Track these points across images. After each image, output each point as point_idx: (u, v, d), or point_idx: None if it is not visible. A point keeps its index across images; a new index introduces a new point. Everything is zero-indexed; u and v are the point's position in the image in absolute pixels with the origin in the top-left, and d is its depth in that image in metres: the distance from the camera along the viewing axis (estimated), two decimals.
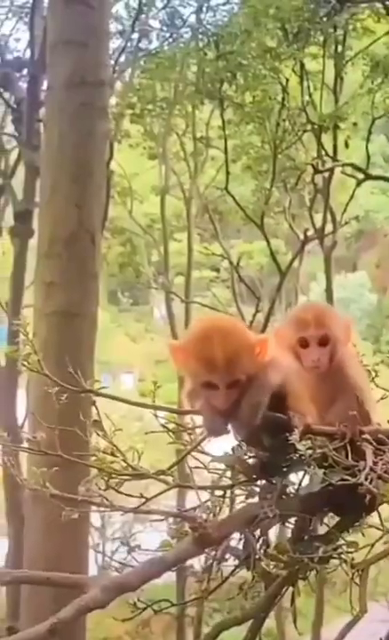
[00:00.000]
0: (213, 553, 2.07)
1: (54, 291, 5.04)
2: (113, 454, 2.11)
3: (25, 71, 8.93)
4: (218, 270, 12.80)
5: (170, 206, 11.63)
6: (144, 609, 2.25)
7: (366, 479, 1.97)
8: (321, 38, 9.79)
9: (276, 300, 10.43)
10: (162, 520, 2.34)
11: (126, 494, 2.08)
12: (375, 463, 2.03)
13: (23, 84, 8.94)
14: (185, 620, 9.16)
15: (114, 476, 2.05)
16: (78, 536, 5.06)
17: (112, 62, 8.88)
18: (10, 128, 10.04)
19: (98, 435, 2.16)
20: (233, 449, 2.05)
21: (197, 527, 1.88)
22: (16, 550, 7.15)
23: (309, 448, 2.02)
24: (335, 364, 2.14)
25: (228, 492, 2.19)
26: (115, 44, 9.63)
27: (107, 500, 2.02)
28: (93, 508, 2.17)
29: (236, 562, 2.17)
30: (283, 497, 2.11)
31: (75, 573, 1.93)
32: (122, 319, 17.40)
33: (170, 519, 2.49)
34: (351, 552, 2.05)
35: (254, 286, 11.70)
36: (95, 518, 10.34)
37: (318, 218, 10.34)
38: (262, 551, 2.05)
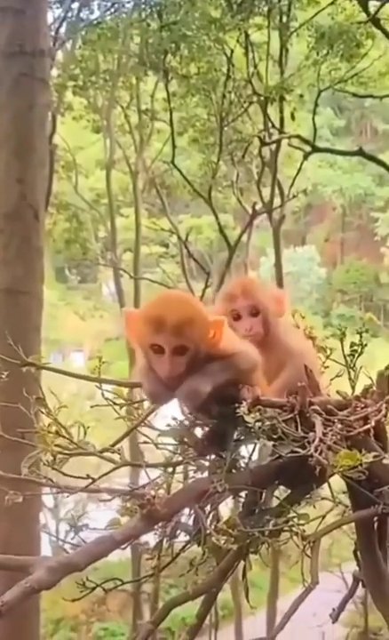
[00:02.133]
0: (163, 529, 2.04)
1: None
2: (57, 432, 2.06)
3: None
4: (166, 246, 12.70)
5: (116, 181, 11.48)
6: (93, 588, 2.20)
7: (316, 451, 1.94)
8: (266, 9, 9.70)
9: (226, 276, 10.40)
10: (111, 499, 2.29)
11: (69, 475, 2.02)
12: (324, 434, 2.00)
13: None
14: (141, 596, 9.19)
15: (58, 454, 1.99)
16: (28, 517, 4.99)
17: (52, 33, 8.66)
18: None
19: (42, 412, 2.11)
20: (179, 421, 2.01)
21: (145, 504, 1.83)
22: None
23: (258, 420, 1.99)
24: (272, 335, 2.18)
25: (179, 468, 2.15)
26: (54, 13, 9.41)
27: (51, 480, 1.96)
28: (41, 489, 2.12)
29: (187, 538, 2.14)
30: (233, 471, 2.08)
31: (27, 555, 1.86)
32: (70, 297, 17.22)
33: (123, 497, 2.44)
34: (302, 524, 2.03)
35: (203, 261, 11.65)
36: (48, 499, 10.29)
37: (266, 192, 10.30)
38: (213, 526, 2.01)
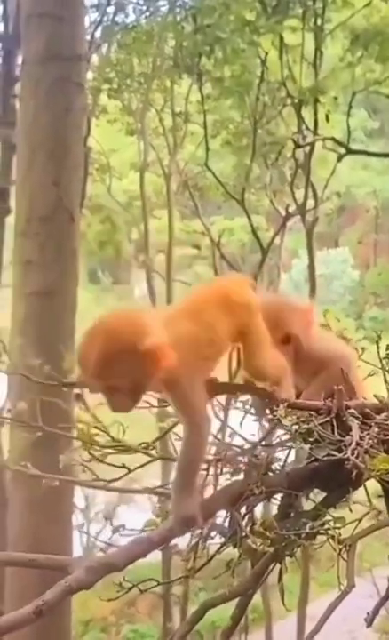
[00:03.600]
0: (199, 531, 2.05)
1: (33, 270, 4.96)
2: (97, 428, 2.09)
3: None
4: (198, 248, 12.72)
5: (150, 183, 11.52)
6: (130, 589, 2.22)
7: (352, 454, 1.94)
8: (301, 11, 9.68)
9: (258, 278, 10.39)
10: (139, 496, 2.31)
11: (109, 464, 2.04)
12: (361, 438, 2.00)
13: None
14: (170, 598, 9.21)
15: (97, 448, 2.02)
16: (61, 516, 5.03)
17: (88, 37, 8.72)
18: None
19: (80, 409, 2.14)
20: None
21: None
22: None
23: (295, 423, 2.00)
24: (305, 348, 2.20)
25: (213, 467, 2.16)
26: (90, 17, 9.47)
27: (90, 470, 1.98)
28: (78, 481, 2.14)
29: (222, 540, 2.15)
30: (269, 473, 2.09)
31: (59, 554, 1.89)
32: (102, 298, 17.30)
33: (155, 498, 2.46)
34: (338, 528, 2.04)
35: (236, 263, 11.64)
36: (79, 499, 10.36)
37: (299, 194, 10.27)
38: (248, 528, 2.02)
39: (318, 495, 2.22)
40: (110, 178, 10.92)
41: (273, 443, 2.12)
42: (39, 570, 1.81)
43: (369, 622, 2.75)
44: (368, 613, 2.60)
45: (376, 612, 2.71)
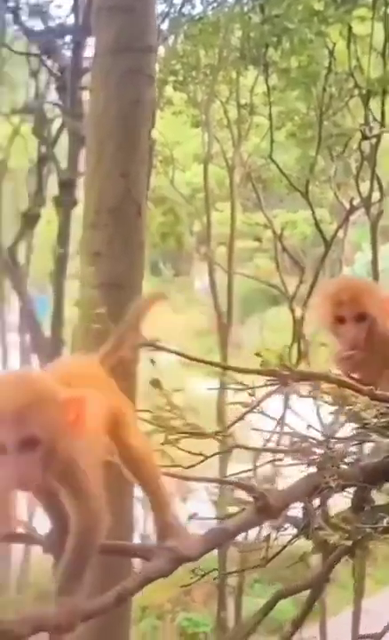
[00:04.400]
0: (273, 522, 2.05)
1: (100, 262, 5.00)
2: (173, 412, 2.11)
3: (68, 38, 8.84)
4: (260, 240, 12.66)
5: (213, 175, 11.50)
6: (202, 575, 2.24)
7: None
8: (370, 0, 9.53)
9: (320, 271, 10.29)
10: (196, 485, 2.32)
11: (184, 450, 2.06)
12: None
13: (66, 52, 8.85)
14: (226, 589, 9.24)
15: (172, 433, 2.04)
16: (123, 505, 5.08)
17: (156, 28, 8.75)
18: (52, 96, 10.00)
19: (157, 394, 2.16)
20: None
21: (259, 497, 1.86)
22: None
23: (374, 417, 1.99)
24: (379, 335, 2.20)
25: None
26: (157, 9, 9.48)
27: (168, 455, 2.00)
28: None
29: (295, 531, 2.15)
30: (344, 466, 2.08)
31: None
32: (163, 290, 17.34)
33: (212, 488, 2.46)
34: None
35: (297, 257, 11.54)
36: (138, 490, 10.43)
37: (364, 186, 10.14)
38: (321, 521, 2.02)
39: None
40: (173, 170, 10.93)
41: (350, 435, 2.12)
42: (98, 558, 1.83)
43: None
44: None
45: None
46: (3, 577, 10.31)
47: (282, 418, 2.30)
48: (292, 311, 9.11)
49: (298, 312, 8.96)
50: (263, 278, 10.88)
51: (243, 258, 12.67)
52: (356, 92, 9.49)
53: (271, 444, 2.36)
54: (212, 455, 2.14)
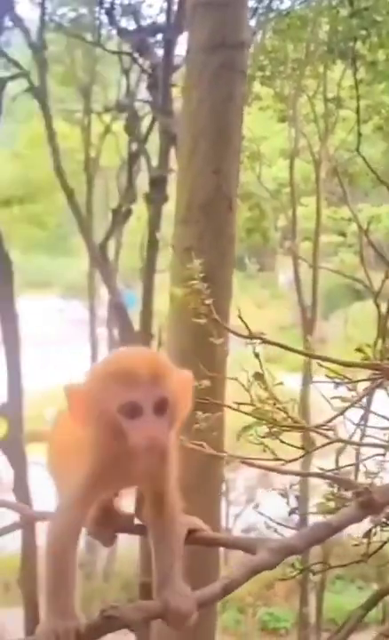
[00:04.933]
0: (376, 517, 2.07)
1: (192, 256, 5.05)
2: (275, 405, 2.14)
3: (159, 37, 8.93)
4: (344, 235, 12.53)
5: (298, 170, 11.45)
6: (301, 570, 2.28)
7: None
8: None
9: None
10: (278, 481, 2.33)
11: (288, 444, 2.09)
12: None
13: (158, 50, 8.94)
14: (308, 584, 9.23)
15: (273, 426, 2.07)
16: (212, 499, 5.14)
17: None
18: (143, 94, 10.13)
19: (259, 387, 2.19)
20: None
21: (363, 492, 1.87)
22: None
23: None
24: None
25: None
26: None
27: (271, 450, 2.03)
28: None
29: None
30: None
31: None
32: (248, 285, 17.39)
33: (296, 485, 2.47)
34: None
35: (382, 251, 11.35)
36: None
37: None
38: None
39: None
40: (260, 165, 10.92)
41: None
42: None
43: None
44: None
45: None
46: (91, 566, 10.55)
47: (367, 411, 2.30)
48: (377, 306, 8.97)
49: (384, 307, 8.84)
50: (347, 273, 10.74)
51: (328, 252, 12.55)
52: None
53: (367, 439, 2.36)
54: (315, 449, 2.16)
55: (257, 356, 2.20)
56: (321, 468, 2.17)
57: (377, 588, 2.13)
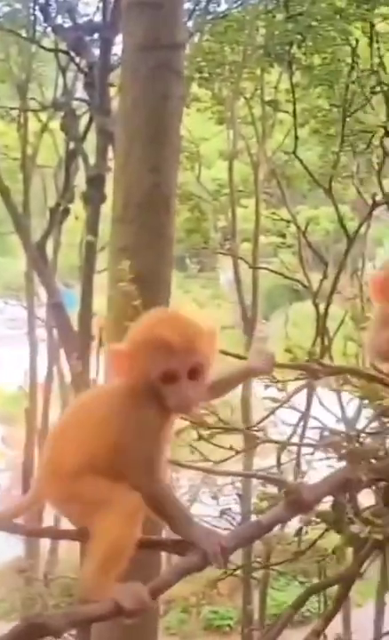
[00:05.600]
0: (305, 516, 2.08)
1: (129, 256, 5.03)
2: (206, 409, 2.15)
3: (96, 35, 8.87)
4: (283, 236, 12.67)
5: (237, 171, 11.52)
6: (235, 570, 2.29)
7: None
8: None
9: (343, 267, 10.27)
10: (220, 480, 2.34)
11: (217, 445, 2.10)
12: None
13: (95, 49, 8.89)
14: (251, 582, 9.28)
15: (204, 428, 2.07)
16: None
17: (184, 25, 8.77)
18: (80, 93, 10.05)
19: None
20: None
21: (291, 491, 1.89)
22: None
23: None
24: None
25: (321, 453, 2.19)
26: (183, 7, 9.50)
27: (200, 452, 2.04)
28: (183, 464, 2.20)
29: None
30: (375, 460, 2.11)
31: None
32: (188, 285, 17.43)
33: (237, 483, 2.49)
34: None
35: (321, 252, 11.54)
36: None
37: (386, 183, 10.11)
38: (352, 515, 2.05)
39: None
40: (200, 166, 10.95)
41: (382, 429, 2.15)
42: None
43: None
44: None
45: None
46: (32, 570, 10.41)
47: (308, 412, 2.33)
48: (316, 306, 9.11)
49: (322, 307, 8.97)
50: (287, 273, 10.86)
51: (268, 253, 12.65)
52: (378, 89, 9.47)
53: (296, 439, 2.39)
54: (244, 450, 2.17)
55: None
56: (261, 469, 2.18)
57: (307, 587, 2.14)
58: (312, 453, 2.15)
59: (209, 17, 10.14)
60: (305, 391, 2.35)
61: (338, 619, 9.19)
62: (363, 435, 2.17)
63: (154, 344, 1.60)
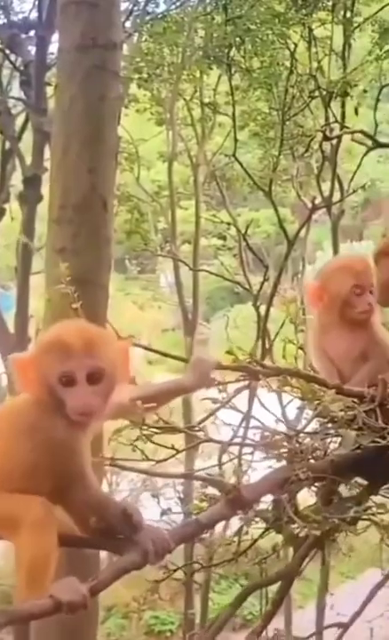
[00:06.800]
0: (244, 515, 2.07)
1: (66, 257, 4.97)
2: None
3: (32, 33, 8.76)
4: (224, 238, 12.72)
5: (177, 173, 11.51)
6: (175, 570, 2.26)
7: None
8: (330, 3, 9.65)
9: (283, 269, 10.36)
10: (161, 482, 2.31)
11: (157, 444, 2.07)
12: None
13: (31, 47, 8.77)
14: (192, 586, 9.24)
15: (145, 428, 2.05)
16: None
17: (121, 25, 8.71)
18: (15, 92, 9.91)
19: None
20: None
21: (231, 490, 1.87)
22: None
23: (342, 410, 2.02)
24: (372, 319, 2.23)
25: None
26: (122, 6, 9.44)
27: (141, 451, 2.01)
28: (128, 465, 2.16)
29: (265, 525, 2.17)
30: (313, 460, 2.11)
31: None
32: (128, 287, 17.35)
33: (179, 486, 2.47)
34: (381, 513, 2.06)
35: (261, 254, 11.62)
36: (104, 486, 10.39)
37: (325, 186, 10.24)
38: (292, 513, 2.04)
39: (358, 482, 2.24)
40: (139, 167, 10.91)
41: (318, 429, 2.14)
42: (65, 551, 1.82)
43: None
44: None
45: None
46: None
47: (249, 412, 2.32)
48: (256, 308, 9.17)
49: (263, 309, 9.03)
50: (227, 276, 10.90)
51: (208, 255, 12.71)
52: (317, 93, 9.58)
53: (239, 439, 2.37)
54: (184, 449, 2.15)
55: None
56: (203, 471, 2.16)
57: (245, 586, 2.13)
58: (251, 453, 2.13)
59: (147, 17, 10.11)
60: (247, 392, 2.33)
61: (280, 620, 9.26)
62: (302, 434, 2.16)
63: (53, 347, 1.59)
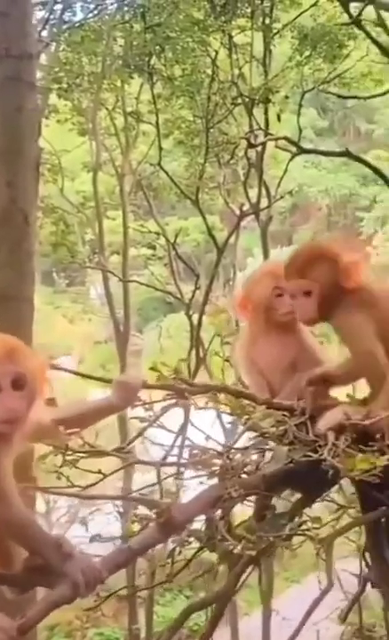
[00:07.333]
0: (177, 536, 2.01)
1: None
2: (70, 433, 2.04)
3: None
4: (154, 248, 12.67)
5: (103, 183, 11.41)
6: (107, 597, 2.18)
7: (329, 454, 1.93)
8: (249, 10, 9.69)
9: (214, 277, 10.36)
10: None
11: (83, 469, 2.00)
12: (337, 438, 2.00)
13: None
14: (136, 600, 9.14)
15: (70, 453, 1.97)
16: None
17: (35, 35, 8.59)
18: None
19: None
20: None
21: (163, 512, 1.82)
22: None
23: (273, 425, 1.98)
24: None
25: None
26: (37, 15, 9.33)
27: (65, 476, 1.94)
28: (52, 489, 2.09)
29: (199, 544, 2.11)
30: (245, 475, 2.06)
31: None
32: (57, 300, 17.14)
33: (120, 502, 2.40)
34: (316, 528, 2.02)
35: (191, 263, 11.61)
36: (39, 503, 10.20)
37: (253, 193, 10.28)
38: (225, 532, 1.99)
39: (291, 495, 2.21)
40: (62, 178, 10.77)
41: (249, 445, 2.10)
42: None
43: (344, 618, 2.77)
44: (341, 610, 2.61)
45: (350, 607, 2.73)
46: None
47: (182, 430, 2.27)
48: (189, 317, 9.13)
49: (195, 318, 8.99)
50: (158, 285, 10.85)
51: (138, 266, 12.63)
52: (240, 100, 9.61)
53: (174, 458, 2.31)
54: (111, 473, 2.07)
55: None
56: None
57: (184, 608, 2.07)
58: (181, 473, 2.08)
59: (64, 26, 10.00)
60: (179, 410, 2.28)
61: (227, 631, 9.22)
62: (233, 450, 2.11)
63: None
